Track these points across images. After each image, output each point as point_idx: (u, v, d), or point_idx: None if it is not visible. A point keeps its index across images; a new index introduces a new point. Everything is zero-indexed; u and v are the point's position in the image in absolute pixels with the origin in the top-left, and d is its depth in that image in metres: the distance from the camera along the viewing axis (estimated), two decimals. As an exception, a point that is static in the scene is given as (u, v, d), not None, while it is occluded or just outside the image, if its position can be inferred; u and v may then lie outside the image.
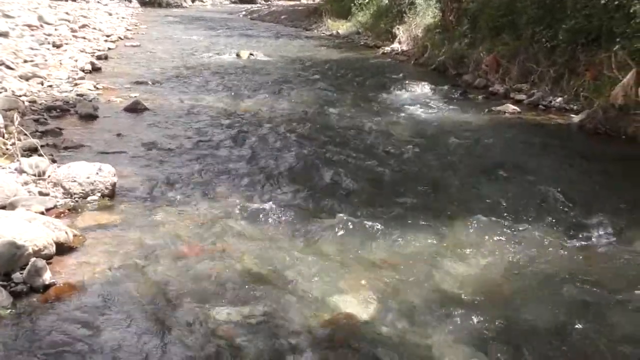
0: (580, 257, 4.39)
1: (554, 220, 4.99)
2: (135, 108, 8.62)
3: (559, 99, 9.70)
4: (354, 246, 4.44)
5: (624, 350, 3.33)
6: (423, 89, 11.02)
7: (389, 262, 4.22)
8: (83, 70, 11.08)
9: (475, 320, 3.53)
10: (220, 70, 12.79)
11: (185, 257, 4.20)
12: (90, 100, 8.72)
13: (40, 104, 8.20)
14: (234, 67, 13.27)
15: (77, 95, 9.01)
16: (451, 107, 9.66)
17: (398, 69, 13.52)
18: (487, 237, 4.62)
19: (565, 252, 4.46)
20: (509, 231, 4.73)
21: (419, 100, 10.11)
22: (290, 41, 19.96)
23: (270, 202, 5.14)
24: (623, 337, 3.44)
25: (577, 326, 3.52)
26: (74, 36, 15.32)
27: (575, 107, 9.23)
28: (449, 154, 6.92)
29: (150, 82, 10.93)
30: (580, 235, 4.73)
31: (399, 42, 16.88)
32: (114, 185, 5.26)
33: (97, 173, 5.20)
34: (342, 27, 22.53)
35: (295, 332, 3.40)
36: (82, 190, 5.11)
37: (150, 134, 7.40)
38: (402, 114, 9.10)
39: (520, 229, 4.77)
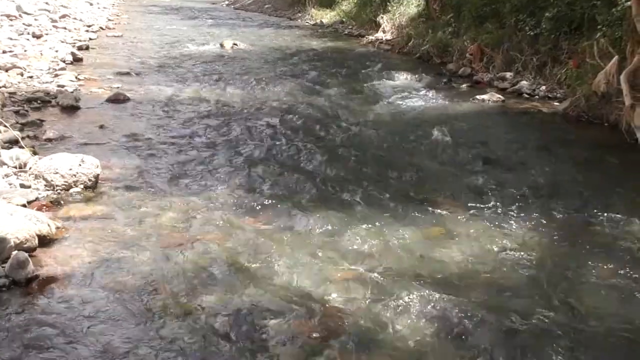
0: (564, 242, 4.44)
1: (537, 207, 5.03)
2: (117, 99, 8.53)
3: (543, 87, 9.76)
4: (339, 236, 4.44)
5: (606, 331, 3.37)
6: (407, 78, 11.03)
7: (373, 251, 4.22)
8: (64, 61, 10.92)
9: (460, 307, 3.54)
10: (203, 60, 12.69)
11: (170, 247, 4.17)
12: (72, 92, 8.60)
13: (21, 95, 8.07)
14: (218, 57, 13.17)
15: (58, 86, 8.88)
16: (435, 96, 9.68)
17: (382, 58, 13.50)
18: (471, 225, 4.65)
19: (549, 237, 4.50)
20: (493, 218, 4.76)
21: (403, 89, 10.11)
22: (274, 31, 19.84)
23: (255, 192, 5.12)
24: (606, 319, 3.48)
25: (560, 309, 3.55)
26: (54, 26, 15.08)
27: (558, 95, 9.30)
28: (434, 143, 6.93)
29: (133, 73, 10.80)
30: (564, 221, 4.78)
31: (383, 31, 16.85)
32: (97, 177, 5.20)
33: (80, 165, 5.14)
34: (326, 16, 22.44)
35: (279, 323, 3.38)
36: (65, 182, 5.05)
37: (133, 125, 7.33)
38: (387, 103, 9.10)
39: (504, 216, 4.81)
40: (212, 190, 5.25)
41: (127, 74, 10.69)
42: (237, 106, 8.57)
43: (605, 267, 4.06)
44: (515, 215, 4.86)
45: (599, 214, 4.90)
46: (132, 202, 4.93)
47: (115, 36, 16.02)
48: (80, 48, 12.76)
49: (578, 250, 4.33)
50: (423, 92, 9.94)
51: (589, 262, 4.12)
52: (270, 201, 4.99)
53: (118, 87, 9.16)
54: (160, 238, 4.32)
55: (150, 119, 7.66)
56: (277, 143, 6.70)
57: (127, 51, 13.47)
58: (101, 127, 7.10)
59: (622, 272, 3.99)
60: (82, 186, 5.07)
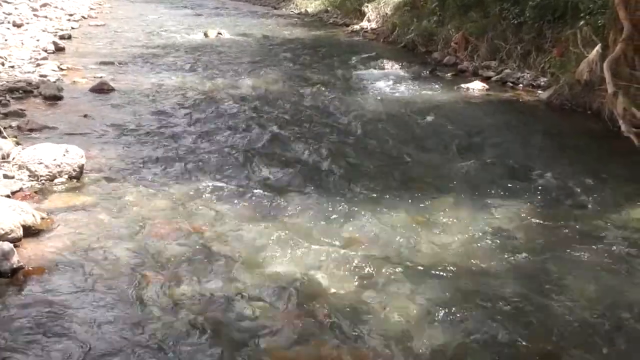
0: (548, 228, 4.48)
1: (522, 194, 5.08)
2: (101, 89, 8.45)
3: (527, 76, 9.82)
4: (326, 223, 4.46)
5: (585, 313, 3.43)
6: (392, 67, 11.04)
7: (360, 238, 4.24)
8: (46, 51, 10.80)
9: (446, 291, 3.59)
10: (187, 49, 12.61)
11: (156, 237, 4.16)
12: (55, 81, 8.51)
13: (2, 85, 7.97)
14: (202, 47, 13.09)
15: (41, 76, 8.78)
16: (420, 84, 9.70)
17: (367, 47, 13.50)
18: (457, 212, 4.69)
19: (533, 223, 4.55)
20: (477, 205, 4.81)
21: (388, 78, 10.12)
22: (258, 20, 19.75)
23: (241, 181, 5.13)
24: (586, 301, 3.54)
25: (544, 293, 3.61)
26: (35, 15, 14.90)
27: (542, 84, 9.37)
28: (419, 131, 6.96)
29: (116, 62, 10.71)
30: (548, 207, 4.84)
31: (368, 21, 16.84)
32: (81, 167, 5.16)
33: (64, 155, 5.10)
34: (311, 5, 22.37)
35: (268, 309, 3.40)
36: (49, 172, 5.00)
37: (118, 115, 7.28)
38: (372, 92, 9.10)
39: (489, 202, 4.86)
40: (197, 180, 5.24)
41: (111, 63, 10.60)
42: (222, 95, 8.52)
43: (588, 252, 4.12)
44: (499, 201, 4.91)
45: (582, 200, 4.97)
46: (118, 192, 4.91)
47: (97, 25, 15.85)
48: (62, 37, 12.62)
49: (562, 236, 4.38)
50: (408, 81, 9.97)
51: (573, 248, 4.18)
52: (255, 190, 4.99)
53: (102, 77, 9.08)
54: (146, 228, 4.30)
55: (135, 109, 7.60)
56: (262, 132, 6.68)
57: (111, 40, 13.34)
58: (85, 117, 7.04)
59: (604, 257, 4.05)
60: (66, 176, 5.03)
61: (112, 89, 8.51)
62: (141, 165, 5.56)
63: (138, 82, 9.24)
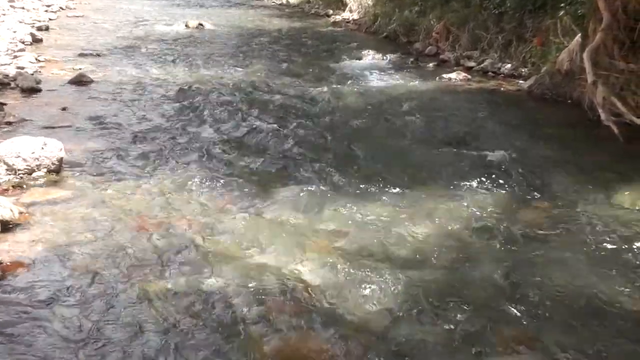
0: (528, 217, 4.51)
1: (502, 183, 5.10)
2: (80, 81, 8.35)
3: (508, 66, 9.86)
4: (308, 215, 4.44)
5: (561, 300, 3.46)
6: (374, 57, 11.03)
7: (343, 230, 4.23)
8: (23, 42, 10.63)
9: (427, 282, 3.59)
10: (168, 41, 12.48)
11: (137, 230, 4.12)
12: (32, 74, 8.38)
13: (-22, 78, 7.84)
14: (183, 38, 12.96)
15: (18, 68, 8.64)
16: (402, 75, 9.71)
17: (349, 38, 13.47)
18: (439, 203, 4.69)
19: (513, 213, 4.58)
20: (459, 195, 4.82)
21: (370, 68, 10.11)
22: (239, 10, 19.60)
23: (223, 173, 5.09)
24: (562, 288, 3.57)
25: (521, 281, 3.63)
26: (11, 6, 14.67)
27: (523, 73, 9.41)
28: (400, 122, 6.95)
29: (95, 54, 10.57)
30: (528, 196, 4.87)
31: (350, 11, 16.80)
32: (60, 160, 5.09)
33: (42, 148, 5.02)
34: (293, -5, 22.26)
35: (251, 301, 3.39)
36: (27, 166, 4.93)
37: (97, 108, 7.19)
38: (354, 83, 9.08)
39: (470, 192, 4.88)
40: (179, 173, 5.19)
41: (90, 55, 10.47)
42: (203, 87, 8.45)
43: (566, 239, 4.15)
44: (479, 190, 4.93)
45: (562, 189, 5.00)
46: (98, 185, 4.85)
47: (76, 16, 15.63)
48: (39, 29, 12.43)
49: (541, 225, 4.40)
50: (390, 71, 9.96)
51: (552, 236, 4.21)
52: (237, 182, 4.96)
53: (80, 69, 8.96)
54: (127, 221, 4.26)
55: (115, 101, 7.52)
56: (244, 124, 6.64)
57: (89, 32, 13.16)
58: (64, 109, 6.94)
59: (583, 245, 4.09)
60: (45, 170, 4.96)
61: (92, 81, 8.40)
62: (121, 158, 5.49)
63: (118, 74, 9.13)
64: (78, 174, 5.08)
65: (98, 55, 10.53)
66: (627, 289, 3.58)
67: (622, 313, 3.36)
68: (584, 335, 3.18)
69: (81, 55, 10.36)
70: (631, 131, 6.25)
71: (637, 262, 3.87)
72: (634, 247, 4.03)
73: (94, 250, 3.84)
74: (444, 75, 9.59)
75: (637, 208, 4.67)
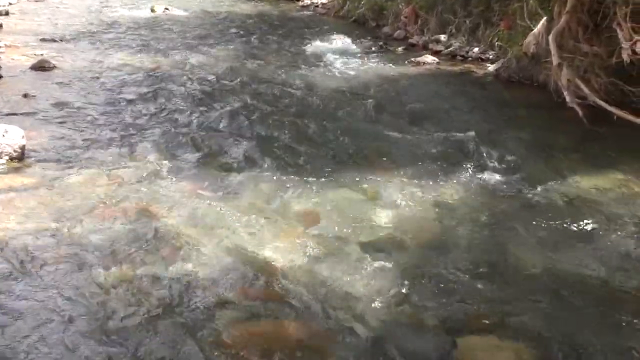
0: (496, 199, 4.57)
1: (471, 166, 5.15)
2: (42, 67, 8.12)
3: (476, 49, 9.93)
4: (280, 200, 4.43)
5: (530, 282, 3.53)
6: (343, 41, 10.96)
7: (312, 213, 4.24)
8: (-19, 28, 10.30)
9: (398, 264, 3.62)
10: (133, 25, 12.22)
11: (104, 218, 4.05)
12: (-8, 59, 8.14)
13: None
14: (148, 23, 12.71)
15: (-24, 54, 8.39)
16: (371, 59, 9.69)
17: (318, 22, 13.39)
18: (407, 185, 4.73)
19: (482, 195, 4.63)
20: (428, 178, 4.85)
21: (339, 53, 10.05)
22: (207, -6, 19.26)
23: (190, 159, 5.05)
24: (531, 270, 3.64)
25: (490, 263, 3.70)
26: (-32, -9, 14.15)
27: (490, 57, 9.48)
28: (369, 106, 6.94)
29: (58, 39, 10.30)
30: (496, 178, 4.93)
31: (319, -5, 16.65)
32: (22, 147, 4.98)
33: (3, 135, 4.91)
34: (261, -21, 21.97)
35: (223, 287, 3.37)
36: (-12, 154, 4.81)
37: (61, 94, 7.02)
38: (323, 67, 9.04)
39: (439, 175, 4.92)
40: (144, 159, 5.12)
41: (52, 40, 10.19)
42: (169, 73, 8.31)
43: (534, 221, 4.22)
44: (449, 174, 4.97)
45: (528, 169, 5.08)
46: (62, 172, 4.76)
47: (37, 1, 15.17)
48: (-1, 13, 12.05)
49: (509, 207, 4.48)
50: (359, 55, 9.94)
51: (519, 218, 4.28)
52: (206, 167, 4.93)
53: (43, 55, 8.71)
54: (93, 208, 4.19)
55: (79, 87, 7.36)
56: (211, 109, 6.57)
57: (52, 17, 12.81)
58: (25, 96, 6.76)
59: (549, 225, 4.16)
60: (7, 158, 4.85)
61: (54, 67, 8.19)
62: (86, 145, 5.39)
63: (81, 59, 8.91)
64: (42, 161, 4.97)
65: (61, 40, 10.26)
66: (592, 267, 3.67)
67: (587, 289, 3.46)
68: (550, 311, 3.26)
69: (43, 40, 10.08)
70: (595, 113, 6.35)
71: (601, 240, 3.96)
72: (598, 225, 4.13)
73: (61, 239, 3.77)
74: (413, 59, 9.61)
75: (600, 188, 4.77)
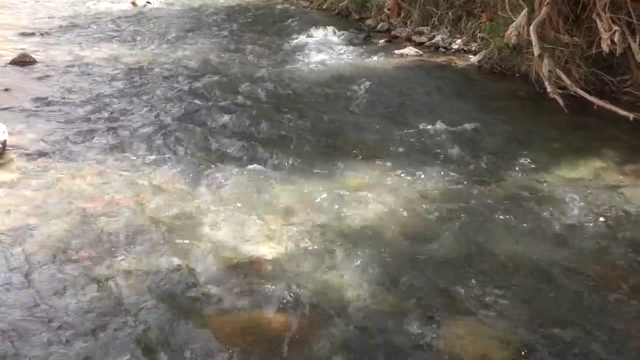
0: (478, 189, 4.61)
1: (453, 156, 5.19)
2: (23, 61, 8.04)
3: (458, 41, 9.96)
4: (261, 193, 4.44)
5: (513, 271, 3.58)
6: (327, 34, 10.94)
7: (294, 207, 4.25)
8: (-40, 22, 10.16)
9: (381, 255, 3.65)
10: (114, 19, 12.10)
11: (88, 212, 4.04)
12: (-30, 54, 8.04)
13: None
14: (130, 16, 12.59)
15: (-46, 48, 8.28)
16: (355, 51, 9.69)
17: (301, 15, 13.34)
18: (390, 177, 4.75)
19: (464, 184, 4.67)
20: (411, 170, 4.87)
21: (322, 46, 10.04)
22: (189, -12, 19.12)
23: (174, 152, 5.03)
24: (513, 258, 3.69)
25: (473, 252, 3.75)
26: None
27: (473, 48, 9.52)
28: (353, 98, 6.96)
29: (39, 33, 10.19)
30: (479, 168, 4.97)
31: (302, -12, 16.59)
32: (4, 143, 4.94)
33: (-16, 131, 4.86)
34: (243, -28, 21.85)
35: (205, 280, 3.38)
36: (-32, 149, 4.76)
37: (42, 88, 6.96)
38: (306, 60, 9.03)
39: (422, 167, 4.94)
40: (129, 153, 5.09)
41: (33, 34, 10.08)
42: (152, 66, 8.25)
43: (514, 210, 4.27)
44: (432, 165, 4.99)
45: (511, 159, 5.12)
46: (44, 168, 4.73)
47: (16, -6, 14.97)
48: (-23, 7, 11.89)
49: (489, 196, 4.50)
50: (342, 48, 9.93)
51: (499, 207, 4.31)
52: (189, 161, 4.91)
53: (23, 49, 8.62)
54: (76, 204, 4.17)
55: (61, 82, 7.29)
56: (194, 102, 6.53)
57: (31, 10, 12.67)
58: (6, 90, 6.69)
59: (529, 214, 4.21)
60: (-12, 153, 4.81)
61: (35, 61, 8.10)
62: (69, 140, 5.35)
63: (63, 53, 8.83)
64: (24, 157, 4.93)
65: (41, 34, 10.15)
66: (571, 253, 3.73)
67: (566, 275, 3.51)
68: (530, 296, 3.32)
69: (23, 34, 9.97)
70: (575, 103, 6.43)
71: (582, 229, 4.02)
72: (577, 213, 4.18)
73: (43, 234, 3.76)
74: (396, 51, 9.62)
75: (581, 177, 4.84)
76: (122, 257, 3.57)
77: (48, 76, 7.50)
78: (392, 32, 11.26)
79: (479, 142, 5.48)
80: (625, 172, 4.92)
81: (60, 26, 11.05)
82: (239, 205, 4.23)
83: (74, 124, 5.76)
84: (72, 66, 8.07)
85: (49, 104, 6.36)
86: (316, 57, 9.18)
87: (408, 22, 11.34)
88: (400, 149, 5.36)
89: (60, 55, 8.68)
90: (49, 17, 11.85)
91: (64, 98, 6.59)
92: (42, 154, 5.01)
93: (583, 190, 4.59)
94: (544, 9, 7.16)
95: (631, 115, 5.97)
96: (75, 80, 7.42)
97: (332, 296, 3.29)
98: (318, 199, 4.35)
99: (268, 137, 5.60)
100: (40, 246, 3.63)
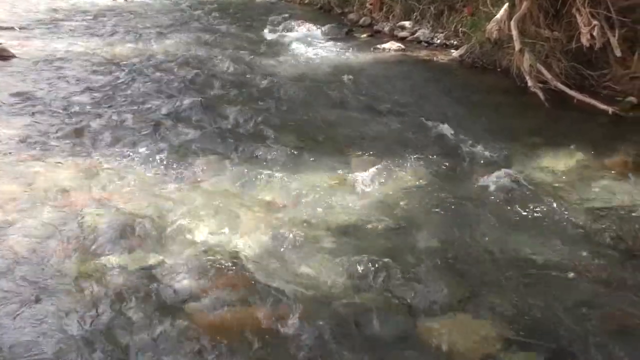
0: (461, 183, 4.64)
1: (435, 150, 5.22)
2: (1, 55, 7.92)
3: (441, 36, 10.00)
4: (245, 187, 4.43)
5: (496, 262, 3.61)
6: (309, 29, 10.93)
7: (279, 201, 4.24)
8: None
9: (366, 249, 3.65)
10: (94, 13, 11.97)
11: (68, 208, 4.00)
12: (-54, 49, 7.91)
13: None
14: (110, 10, 12.47)
15: None
16: (337, 46, 9.69)
17: (283, 9, 13.29)
18: (373, 171, 4.74)
19: (448, 179, 4.70)
20: (394, 164, 4.88)
21: (305, 40, 10.04)
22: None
23: (155, 147, 4.99)
24: (496, 251, 3.71)
25: (456, 245, 3.77)
26: None
27: (455, 43, 9.56)
28: (336, 93, 6.95)
29: (16, 28, 10.05)
30: (461, 161, 5.01)
31: (284, -18, 16.53)
32: (-19, 138, 4.87)
33: (-39, 126, 4.79)
34: (225, -34, 21.71)
35: (188, 275, 3.36)
36: (-55, 145, 4.68)
37: (20, 83, 6.87)
38: (289, 55, 9.01)
39: (405, 161, 4.95)
40: (110, 148, 5.05)
41: (10, 28, 9.94)
42: (133, 61, 8.17)
43: (496, 203, 4.30)
44: (415, 159, 5.00)
45: (492, 153, 5.15)
46: (24, 164, 4.67)
47: (-7, -12, 14.74)
48: (-47, 1, 11.69)
49: (472, 190, 4.54)
50: (324, 42, 9.94)
51: (482, 201, 4.35)
52: (170, 156, 4.88)
53: (1, 43, 8.49)
54: (57, 199, 4.13)
55: (40, 77, 7.21)
56: (173, 97, 6.48)
57: (8, 4, 12.48)
58: (-17, 86, 6.60)
59: (511, 207, 4.24)
60: (-35, 149, 4.73)
61: (13, 56, 8.00)
62: (49, 135, 5.30)
63: (41, 48, 8.72)
64: (2, 152, 4.86)
65: (20, 28, 10.02)
66: (553, 246, 3.77)
67: (549, 268, 3.54)
68: (515, 290, 3.34)
69: (1, 28, 9.82)
70: (556, 97, 6.50)
71: (563, 222, 4.05)
72: (560, 207, 4.22)
73: (23, 230, 3.72)
74: (378, 46, 9.64)
75: (561, 169, 4.89)
76: (102, 251, 3.54)
77: (26, 71, 7.41)
78: (375, 27, 11.28)
79: (460, 136, 5.50)
80: (604, 164, 4.98)
81: (39, 20, 10.92)
82: (223, 199, 4.21)
83: (53, 119, 5.70)
84: (51, 61, 7.98)
85: (28, 99, 6.28)
86: (299, 52, 9.17)
87: (390, 17, 11.36)
88: (382, 143, 5.37)
89: (39, 50, 8.57)
90: (27, 11, 11.70)
91: (42, 93, 6.52)
92: (22, 149, 4.95)
93: (563, 182, 4.64)
94: (525, 4, 7.22)
95: (610, 109, 6.05)
96: (54, 75, 7.33)
97: (317, 290, 3.28)
98: (303, 194, 4.33)
99: (249, 131, 5.59)
100: (21, 242, 3.58)
